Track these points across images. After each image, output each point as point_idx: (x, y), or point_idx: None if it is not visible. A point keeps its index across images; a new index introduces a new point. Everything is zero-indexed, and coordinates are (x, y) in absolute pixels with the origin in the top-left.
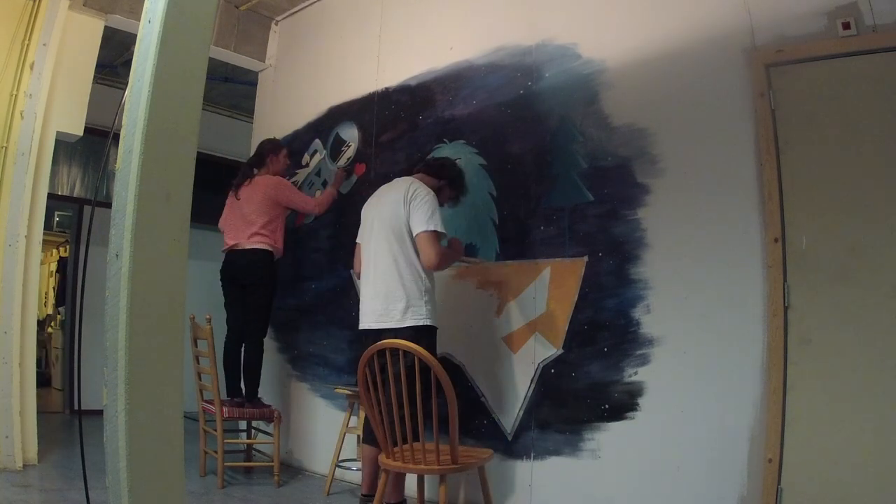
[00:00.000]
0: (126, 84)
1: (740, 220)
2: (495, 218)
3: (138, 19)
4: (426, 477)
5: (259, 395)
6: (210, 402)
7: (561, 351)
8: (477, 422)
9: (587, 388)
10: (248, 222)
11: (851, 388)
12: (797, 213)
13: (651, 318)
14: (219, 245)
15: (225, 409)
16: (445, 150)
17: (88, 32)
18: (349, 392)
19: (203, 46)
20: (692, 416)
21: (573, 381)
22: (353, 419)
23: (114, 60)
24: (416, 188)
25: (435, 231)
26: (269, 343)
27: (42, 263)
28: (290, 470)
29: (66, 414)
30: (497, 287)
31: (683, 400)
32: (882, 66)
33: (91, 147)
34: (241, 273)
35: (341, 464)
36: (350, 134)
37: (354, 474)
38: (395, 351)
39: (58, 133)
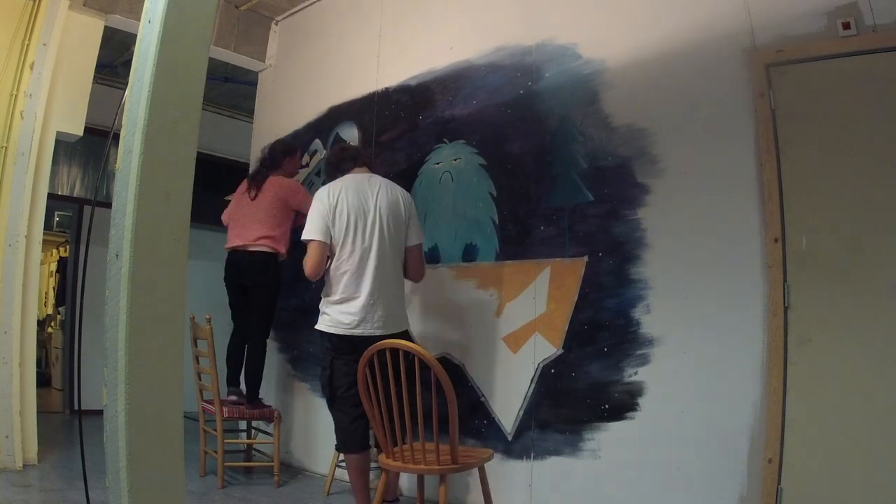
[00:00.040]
0: (126, 84)
1: (740, 219)
2: (495, 218)
3: (138, 19)
4: (426, 477)
5: (260, 397)
6: (210, 402)
7: (561, 351)
8: (477, 422)
9: (587, 388)
10: (256, 222)
11: (851, 388)
12: (797, 213)
13: (651, 318)
14: (219, 245)
15: (225, 409)
16: (445, 151)
17: (88, 32)
18: None
19: (203, 46)
20: (692, 416)
21: (573, 381)
22: None
23: (114, 60)
24: (409, 195)
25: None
26: (269, 343)
27: (42, 263)
28: (290, 470)
29: (66, 414)
30: (497, 287)
31: (683, 400)
32: (882, 66)
33: (91, 147)
34: (243, 274)
35: (341, 464)
36: (350, 134)
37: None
38: (395, 351)
39: (58, 133)
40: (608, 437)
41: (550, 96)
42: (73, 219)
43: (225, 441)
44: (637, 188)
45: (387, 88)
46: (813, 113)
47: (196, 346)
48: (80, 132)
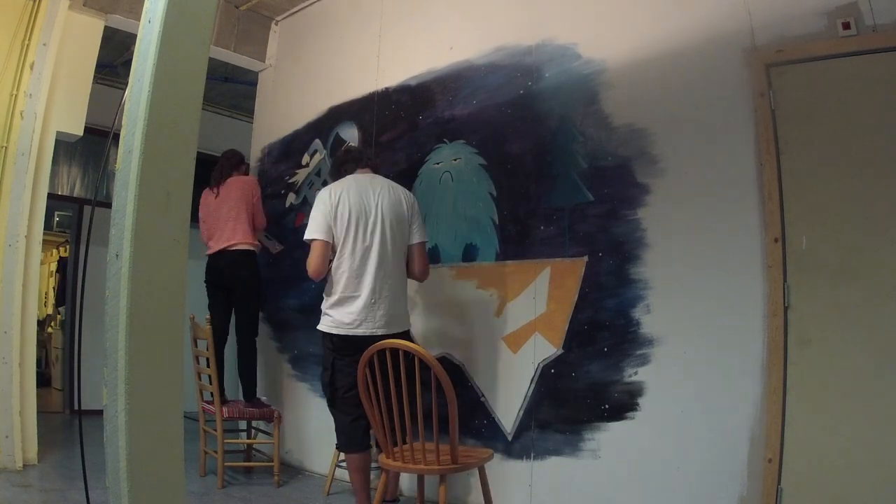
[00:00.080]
0: (126, 84)
1: (740, 220)
2: (495, 218)
3: (138, 19)
4: (426, 477)
5: (258, 395)
6: (210, 402)
7: (561, 351)
8: (477, 422)
9: (587, 388)
10: (230, 220)
11: (851, 388)
12: (797, 213)
13: (651, 318)
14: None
15: (225, 409)
16: (445, 151)
17: (88, 32)
18: None
19: (203, 46)
20: (692, 416)
21: (573, 381)
22: None
23: (114, 60)
24: (412, 195)
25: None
26: (269, 343)
27: (42, 263)
28: (290, 470)
29: (66, 414)
30: (497, 287)
31: (683, 400)
32: (882, 66)
33: (91, 147)
34: (224, 274)
35: (341, 464)
36: (350, 134)
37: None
38: (395, 351)
39: (58, 133)
40: (608, 437)
41: (550, 96)
42: (73, 219)
43: (225, 441)
44: (637, 188)
45: (387, 88)
46: (813, 113)
47: (196, 346)
48: (80, 132)
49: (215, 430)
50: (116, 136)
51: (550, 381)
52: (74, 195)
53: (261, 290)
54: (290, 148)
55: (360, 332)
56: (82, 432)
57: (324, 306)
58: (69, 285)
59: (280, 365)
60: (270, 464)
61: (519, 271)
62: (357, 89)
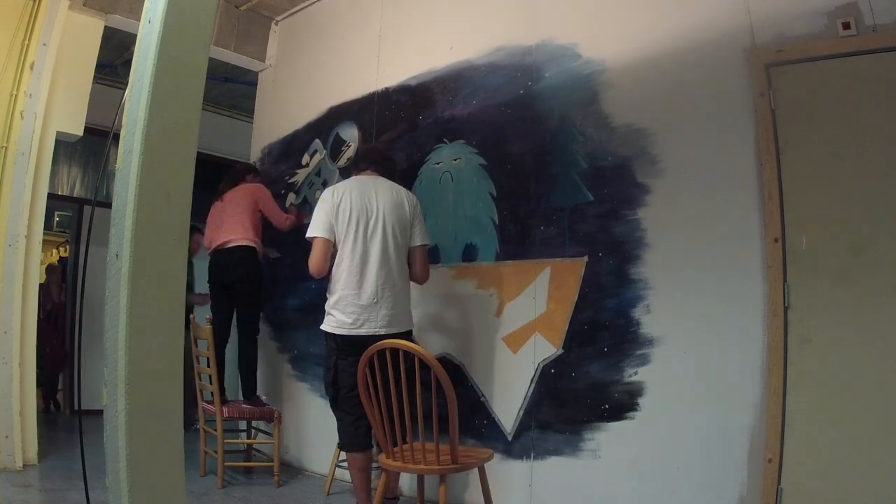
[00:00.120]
0: (126, 84)
1: (740, 220)
2: (495, 218)
3: (138, 19)
4: (426, 477)
5: (258, 394)
6: (210, 402)
7: (561, 351)
8: (477, 422)
9: (587, 388)
10: (233, 221)
11: (851, 388)
12: (797, 213)
13: (651, 318)
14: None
15: (225, 409)
16: (445, 151)
17: (88, 32)
18: None
19: (203, 46)
20: (692, 416)
21: (573, 381)
22: None
23: (114, 60)
24: (414, 197)
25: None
26: (269, 343)
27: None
28: (290, 470)
29: (66, 414)
30: (497, 287)
31: (683, 400)
32: (882, 66)
33: (91, 147)
34: (228, 271)
35: (341, 464)
36: (350, 134)
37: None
38: (395, 351)
39: (58, 133)
40: (608, 437)
41: (550, 96)
42: (73, 219)
43: (225, 441)
44: (637, 188)
45: (387, 88)
46: (813, 113)
47: (196, 346)
48: (80, 132)
49: (215, 430)
50: (116, 136)
51: (550, 381)
52: (74, 195)
53: (262, 288)
54: (290, 148)
55: (362, 331)
56: (82, 432)
57: (327, 305)
58: (69, 285)
59: (280, 365)
60: (270, 464)
61: (519, 271)
62: (357, 89)
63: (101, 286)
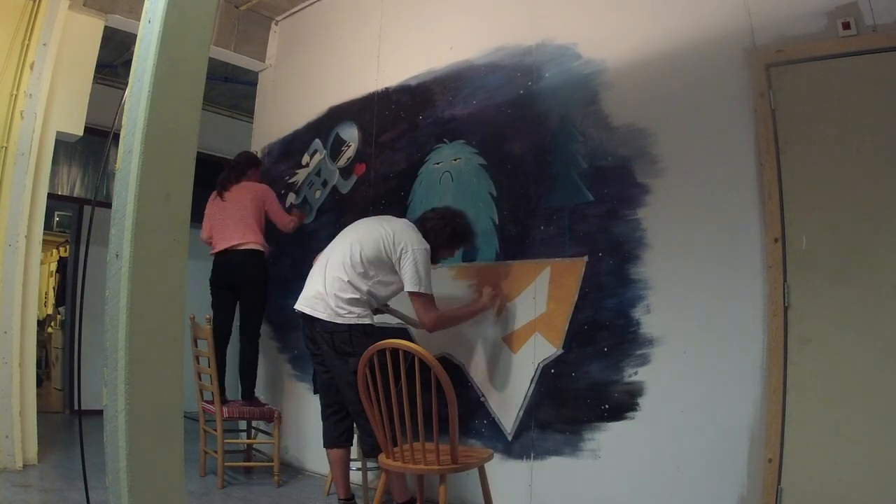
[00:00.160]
0: (126, 84)
1: (740, 220)
2: (495, 218)
3: (138, 19)
4: (426, 476)
5: (256, 395)
6: (210, 402)
7: (561, 351)
8: (477, 422)
9: (587, 388)
10: (239, 222)
11: (851, 388)
12: (797, 213)
13: (651, 318)
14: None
15: (225, 409)
16: (445, 151)
17: (88, 32)
18: None
19: (203, 46)
20: (692, 416)
21: (573, 381)
22: None
23: (114, 60)
24: (405, 242)
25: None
26: (269, 343)
27: (42, 263)
28: (290, 470)
29: (66, 414)
30: (497, 287)
31: (683, 400)
32: (882, 66)
33: (91, 147)
34: (235, 274)
35: None
36: (350, 134)
37: (354, 474)
38: (395, 351)
39: (58, 133)
40: (608, 437)
41: (550, 96)
42: (73, 219)
43: (225, 441)
44: (637, 188)
45: (387, 88)
46: (813, 113)
47: (196, 346)
48: (80, 132)
49: (215, 430)
50: (116, 136)
51: (550, 381)
52: (74, 195)
53: (267, 291)
54: (290, 148)
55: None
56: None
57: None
58: (69, 285)
59: (280, 365)
60: (270, 464)
61: (519, 271)
62: (357, 89)
63: (101, 286)
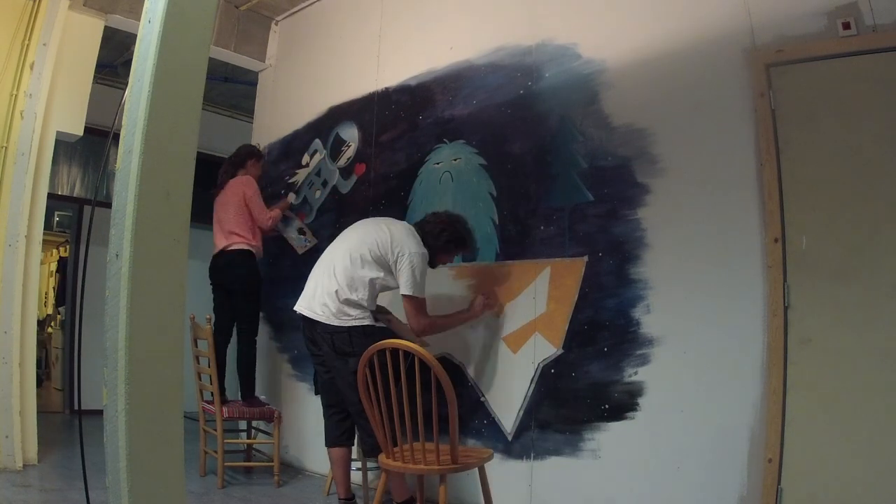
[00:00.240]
0: (126, 84)
1: (740, 220)
2: (495, 218)
3: (138, 19)
4: (426, 476)
5: (256, 394)
6: (210, 402)
7: (561, 351)
8: (477, 422)
9: (587, 388)
10: (227, 222)
11: (851, 388)
12: (797, 213)
13: (651, 318)
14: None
15: (225, 408)
16: (445, 151)
17: (88, 32)
18: None
19: (203, 46)
20: (692, 416)
21: (573, 381)
22: None
23: (114, 60)
24: (404, 248)
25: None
26: (269, 343)
27: (42, 263)
28: (290, 470)
29: (66, 414)
30: (497, 287)
31: (683, 400)
32: (882, 66)
33: (91, 147)
34: (223, 275)
35: None
36: (350, 134)
37: (354, 474)
38: (395, 351)
39: (58, 133)
40: (608, 437)
41: (550, 96)
42: (73, 219)
43: (225, 441)
44: (637, 188)
45: (387, 88)
46: (813, 113)
47: (196, 346)
48: (80, 132)
49: (215, 430)
50: (116, 136)
51: (550, 381)
52: (74, 195)
53: (260, 290)
54: (290, 148)
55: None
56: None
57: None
58: (69, 285)
59: (280, 365)
60: (270, 464)
61: (519, 271)
62: (357, 89)
63: (101, 286)
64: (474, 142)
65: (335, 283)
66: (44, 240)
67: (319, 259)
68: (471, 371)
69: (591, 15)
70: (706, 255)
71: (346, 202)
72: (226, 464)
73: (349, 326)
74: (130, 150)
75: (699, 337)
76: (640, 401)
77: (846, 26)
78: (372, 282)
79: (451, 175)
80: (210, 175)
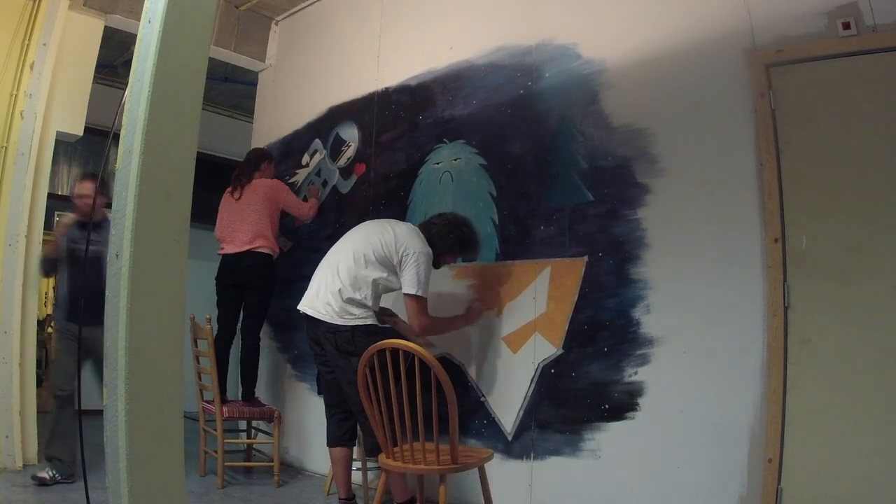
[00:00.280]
0: (126, 84)
1: (740, 220)
2: (495, 218)
3: (138, 19)
4: (426, 476)
5: (256, 395)
6: (210, 402)
7: (561, 351)
8: (477, 422)
9: (587, 388)
10: (249, 223)
11: (851, 388)
12: (797, 213)
13: (651, 318)
14: (219, 245)
15: (225, 408)
16: (445, 151)
17: (88, 32)
18: None
19: (203, 46)
20: (692, 416)
21: (573, 381)
22: None
23: (114, 60)
24: (408, 246)
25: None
26: (269, 343)
27: None
28: (290, 470)
29: None
30: (497, 287)
31: (683, 400)
32: (882, 66)
33: (91, 147)
34: (244, 274)
35: None
36: (350, 134)
37: (354, 474)
38: (395, 351)
39: (58, 133)
40: (608, 437)
41: (550, 96)
42: None
43: (225, 441)
44: (637, 188)
45: (387, 88)
46: (813, 113)
47: (196, 346)
48: (80, 132)
49: (215, 430)
50: (116, 136)
51: (550, 381)
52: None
53: (272, 293)
54: (290, 148)
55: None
56: (82, 432)
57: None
58: None
59: (280, 365)
60: (270, 464)
61: (519, 271)
62: (357, 89)
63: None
64: (474, 142)
65: (338, 281)
66: (44, 240)
67: (323, 259)
68: (471, 371)
69: (591, 15)
70: (706, 255)
71: (346, 202)
72: (226, 464)
73: (352, 325)
74: (130, 150)
75: (699, 337)
76: (640, 401)
77: (846, 26)
78: (375, 281)
79: (451, 175)
80: (210, 175)
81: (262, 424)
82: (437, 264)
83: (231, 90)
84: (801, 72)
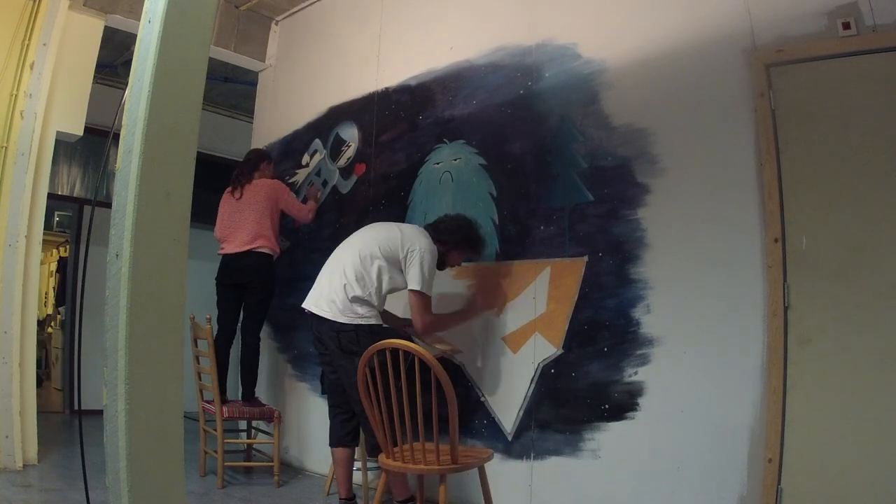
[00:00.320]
0: (126, 84)
1: (740, 220)
2: (495, 218)
3: (138, 19)
4: (426, 476)
5: (256, 395)
6: (210, 402)
7: (561, 351)
8: (477, 422)
9: (587, 388)
10: (250, 223)
11: (851, 388)
12: (797, 213)
13: (651, 318)
14: (218, 245)
15: (225, 408)
16: (445, 151)
17: (88, 32)
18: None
19: (203, 46)
20: (692, 416)
21: (573, 381)
22: None
23: (114, 60)
24: (413, 244)
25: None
26: (269, 343)
27: (42, 263)
28: (290, 470)
29: (66, 414)
30: (497, 287)
31: (683, 400)
32: (882, 66)
33: (91, 147)
34: (245, 274)
35: None
36: (350, 134)
37: (355, 474)
38: (395, 351)
39: (58, 133)
40: (608, 437)
41: (550, 96)
42: (73, 219)
43: (225, 441)
44: (637, 188)
45: (387, 88)
46: (813, 113)
47: (196, 346)
48: (80, 132)
49: (215, 430)
50: (116, 136)
51: (550, 381)
52: (74, 195)
53: (273, 294)
54: (290, 148)
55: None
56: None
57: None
58: (69, 285)
59: (280, 365)
60: (270, 464)
61: (519, 271)
62: (357, 89)
63: (101, 286)
64: (474, 142)
65: (343, 279)
66: (44, 240)
67: (329, 258)
68: (471, 371)
69: (591, 15)
70: (706, 255)
71: (346, 202)
72: (226, 464)
73: (356, 325)
74: (130, 150)
75: (699, 337)
76: (640, 401)
77: (846, 26)
78: (381, 279)
79: (452, 175)
80: (210, 175)
81: (262, 424)
82: (442, 265)
83: (231, 90)
84: (801, 72)
